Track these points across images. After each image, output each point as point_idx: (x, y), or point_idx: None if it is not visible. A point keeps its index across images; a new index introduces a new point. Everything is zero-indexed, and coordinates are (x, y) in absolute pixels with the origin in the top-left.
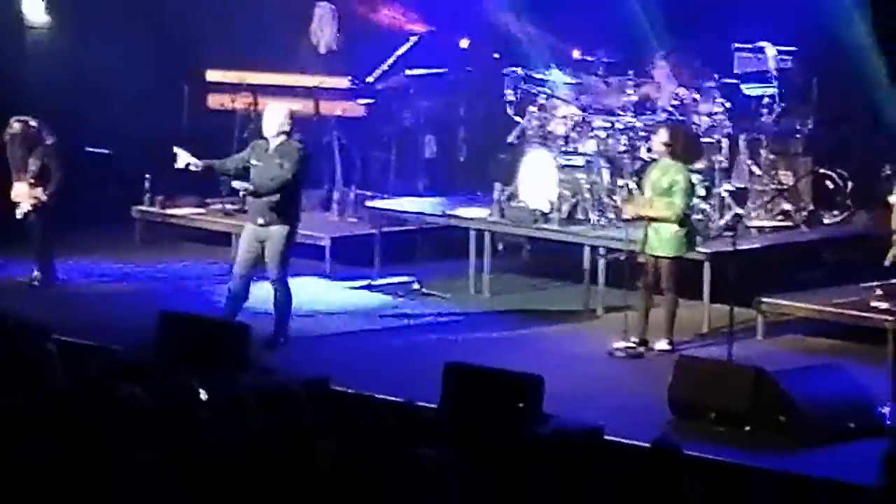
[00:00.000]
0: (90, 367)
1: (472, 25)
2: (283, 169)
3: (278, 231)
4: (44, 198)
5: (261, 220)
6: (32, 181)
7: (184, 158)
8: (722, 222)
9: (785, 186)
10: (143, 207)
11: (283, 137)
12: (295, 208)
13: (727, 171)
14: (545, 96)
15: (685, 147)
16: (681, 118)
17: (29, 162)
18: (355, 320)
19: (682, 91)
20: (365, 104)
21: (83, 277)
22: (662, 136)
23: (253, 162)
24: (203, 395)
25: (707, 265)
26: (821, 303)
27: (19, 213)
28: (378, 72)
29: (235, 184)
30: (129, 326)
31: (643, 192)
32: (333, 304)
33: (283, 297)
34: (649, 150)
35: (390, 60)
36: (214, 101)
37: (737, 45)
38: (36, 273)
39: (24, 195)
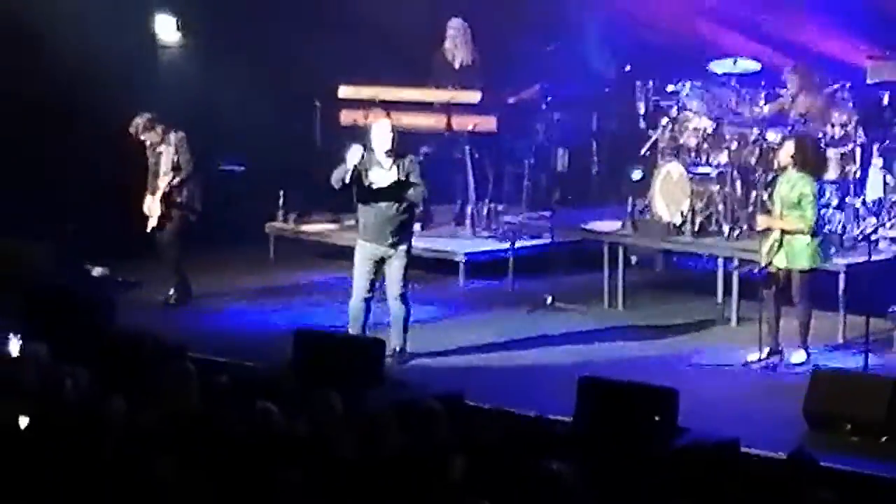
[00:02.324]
0: (226, 385)
1: (604, 38)
2: (414, 185)
3: (403, 249)
4: (175, 182)
5: (389, 241)
6: (168, 175)
7: (357, 153)
8: (856, 233)
9: None
10: (277, 224)
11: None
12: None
13: (861, 182)
14: (677, 109)
15: (811, 159)
16: (812, 129)
17: (161, 157)
18: (488, 333)
19: (813, 101)
20: (497, 119)
21: (218, 295)
22: (789, 148)
23: (373, 177)
24: (339, 411)
25: (842, 275)
26: None
27: (150, 227)
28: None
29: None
30: (265, 344)
31: (773, 204)
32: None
33: (407, 311)
34: (777, 162)
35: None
36: (347, 117)
37: (868, 54)
38: (171, 292)
39: (154, 207)
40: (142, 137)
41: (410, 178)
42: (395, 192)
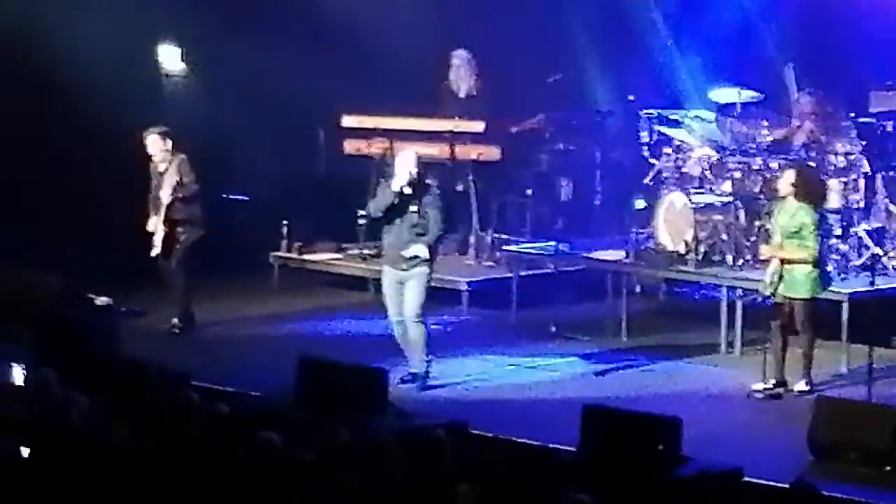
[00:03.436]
0: (229, 413)
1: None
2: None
3: (421, 272)
4: (177, 196)
5: (404, 266)
6: (171, 191)
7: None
8: (859, 262)
9: None
10: (281, 253)
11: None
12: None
13: (864, 211)
14: (680, 139)
15: (812, 188)
16: (816, 158)
17: (164, 177)
18: (492, 362)
19: (817, 131)
20: (500, 148)
21: (222, 323)
22: (789, 176)
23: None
24: (344, 440)
25: (845, 305)
26: None
27: (154, 251)
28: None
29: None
30: (268, 373)
31: (773, 233)
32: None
33: (425, 335)
34: (776, 190)
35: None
36: (350, 146)
37: (872, 84)
38: (175, 320)
39: (159, 228)
40: (150, 149)
41: (428, 215)
42: (411, 218)
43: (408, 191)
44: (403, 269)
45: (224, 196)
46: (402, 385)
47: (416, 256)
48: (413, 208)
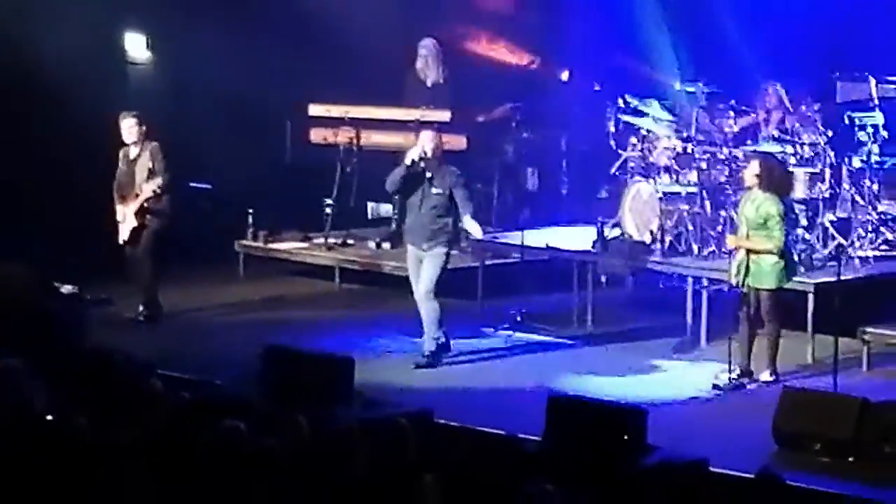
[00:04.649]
0: (193, 402)
1: (573, 58)
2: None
3: (438, 251)
4: (158, 190)
5: (424, 244)
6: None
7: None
8: (825, 252)
9: (889, 216)
10: (246, 242)
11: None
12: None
13: (830, 201)
14: (646, 128)
15: (776, 178)
16: (782, 148)
17: (138, 163)
18: (457, 352)
19: (785, 120)
20: (467, 138)
21: (188, 312)
22: (754, 167)
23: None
24: (307, 430)
25: (811, 296)
26: None
27: (122, 237)
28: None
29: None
30: (233, 361)
31: (740, 224)
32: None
33: (436, 310)
34: (741, 180)
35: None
36: (317, 135)
37: (839, 74)
38: (141, 308)
39: (129, 218)
40: (125, 134)
41: (455, 193)
42: (432, 199)
43: (419, 167)
44: (424, 249)
45: (190, 185)
46: (417, 369)
47: (437, 233)
48: (436, 190)
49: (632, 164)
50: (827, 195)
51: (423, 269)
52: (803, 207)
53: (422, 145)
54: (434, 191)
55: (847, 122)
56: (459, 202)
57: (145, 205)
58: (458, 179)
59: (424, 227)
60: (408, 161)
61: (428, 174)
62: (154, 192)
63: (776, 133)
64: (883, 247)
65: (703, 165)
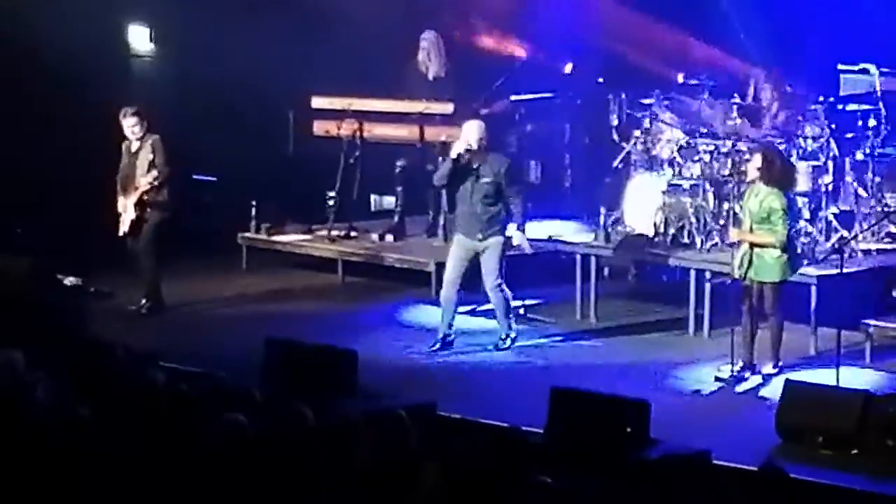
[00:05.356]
0: (196, 394)
1: (576, 50)
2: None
3: (494, 241)
4: (155, 183)
5: (478, 236)
6: (151, 177)
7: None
8: (828, 245)
9: (891, 209)
10: (250, 234)
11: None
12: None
13: (833, 194)
14: (649, 121)
15: (779, 172)
16: (785, 141)
17: (139, 156)
18: (461, 343)
19: (786, 114)
20: None
21: (190, 304)
22: (756, 160)
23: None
24: (310, 422)
25: (814, 288)
26: None
27: (122, 230)
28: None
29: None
30: (236, 354)
31: (743, 217)
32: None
33: (506, 299)
34: (744, 173)
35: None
36: (320, 127)
37: (841, 66)
38: (144, 301)
39: (129, 210)
40: (127, 129)
41: (502, 180)
42: (482, 188)
43: (465, 158)
44: (479, 240)
45: (193, 177)
46: (496, 351)
47: (490, 223)
48: (485, 179)
49: (635, 157)
50: (830, 188)
51: (483, 262)
52: (806, 200)
53: (466, 138)
54: (483, 180)
55: (850, 114)
56: (512, 205)
57: (144, 197)
58: (506, 166)
59: (477, 217)
60: (453, 155)
61: (474, 165)
62: (150, 184)
63: (779, 125)
64: (885, 239)
65: (707, 158)
